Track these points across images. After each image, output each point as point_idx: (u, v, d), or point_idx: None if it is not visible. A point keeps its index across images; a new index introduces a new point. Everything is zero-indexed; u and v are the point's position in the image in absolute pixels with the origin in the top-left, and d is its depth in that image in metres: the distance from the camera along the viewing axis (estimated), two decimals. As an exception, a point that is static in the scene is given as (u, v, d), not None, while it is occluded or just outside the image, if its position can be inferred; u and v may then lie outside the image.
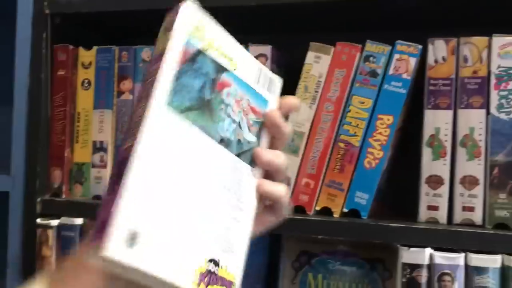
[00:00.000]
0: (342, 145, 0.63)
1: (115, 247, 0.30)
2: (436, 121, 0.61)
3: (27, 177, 0.72)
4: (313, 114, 0.64)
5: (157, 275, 0.32)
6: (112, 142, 0.72)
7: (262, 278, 0.75)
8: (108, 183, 0.34)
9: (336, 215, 0.63)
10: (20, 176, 0.72)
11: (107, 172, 0.71)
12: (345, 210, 0.63)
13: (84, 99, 0.73)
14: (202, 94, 0.36)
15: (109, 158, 0.72)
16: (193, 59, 0.36)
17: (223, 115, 0.37)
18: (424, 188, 0.61)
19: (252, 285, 0.73)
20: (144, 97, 0.34)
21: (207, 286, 0.35)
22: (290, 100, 0.42)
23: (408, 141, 0.67)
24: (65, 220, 0.70)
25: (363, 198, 0.62)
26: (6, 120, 0.75)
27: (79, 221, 0.69)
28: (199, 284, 0.34)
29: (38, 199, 0.71)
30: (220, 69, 0.37)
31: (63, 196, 0.73)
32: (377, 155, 0.62)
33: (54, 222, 0.70)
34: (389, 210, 0.71)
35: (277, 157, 0.40)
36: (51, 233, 0.70)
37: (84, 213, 0.70)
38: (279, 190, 0.40)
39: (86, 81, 0.73)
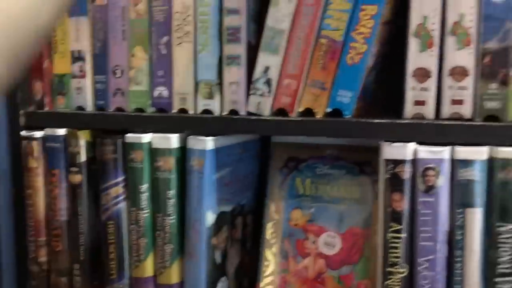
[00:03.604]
0: (324, 41, 0.60)
1: None
2: (423, 8, 0.56)
3: (8, 90, 0.71)
4: (293, 8, 0.60)
5: None
6: (90, 50, 0.70)
7: (253, 185, 0.75)
8: None
9: (318, 115, 0.60)
10: (2, 90, 0.71)
11: (86, 82, 0.70)
12: (328, 110, 0.60)
13: (59, 6, 0.70)
14: None
15: (87, 67, 0.70)
16: None
17: None
18: (410, 82, 0.58)
19: (244, 192, 0.72)
20: None
21: None
22: None
23: (399, 36, 0.63)
24: (49, 131, 0.69)
25: (346, 96, 0.59)
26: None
27: (62, 131, 0.69)
28: None
29: (21, 112, 0.71)
30: None
31: (46, 108, 0.72)
32: (360, 49, 0.58)
33: (38, 134, 0.70)
34: (380, 111, 0.68)
35: None
36: (36, 145, 0.69)
37: (68, 124, 0.69)
38: None
39: (59, -13, 0.70)
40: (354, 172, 0.68)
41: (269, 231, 0.70)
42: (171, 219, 0.64)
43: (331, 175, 0.69)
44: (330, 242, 0.68)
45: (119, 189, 0.66)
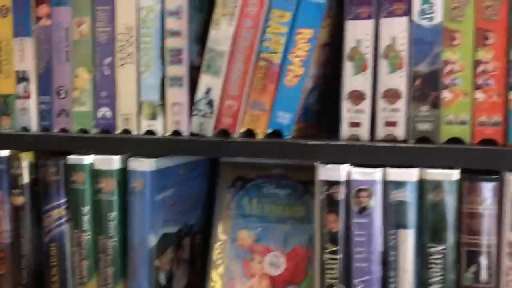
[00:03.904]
0: (263, 63, 0.60)
1: None
2: (357, 32, 0.57)
3: (-48, 111, 0.71)
4: (233, 31, 0.61)
5: None
6: (34, 70, 0.69)
7: (202, 204, 0.75)
8: None
9: (259, 136, 0.61)
10: None
11: (31, 103, 0.69)
12: (269, 131, 0.61)
13: (4, 27, 0.70)
14: None
15: (32, 88, 0.69)
16: None
17: None
18: (346, 104, 0.58)
19: (191, 212, 0.72)
20: None
21: None
22: None
23: (338, 58, 0.64)
24: (-9, 152, 0.69)
25: (285, 118, 0.60)
26: None
27: (5, 153, 0.68)
28: None
29: (-36, 133, 0.70)
30: None
31: (-9, 129, 0.71)
32: (297, 72, 0.59)
33: (-19, 155, 0.69)
34: (324, 131, 0.69)
35: None
36: (-22, 166, 0.69)
37: (12, 145, 0.69)
38: None
39: (3, 8, 0.70)
40: (299, 192, 0.69)
41: (216, 251, 0.70)
42: (113, 241, 0.64)
43: (277, 195, 0.70)
44: (275, 262, 0.68)
45: (62, 211, 0.66)
